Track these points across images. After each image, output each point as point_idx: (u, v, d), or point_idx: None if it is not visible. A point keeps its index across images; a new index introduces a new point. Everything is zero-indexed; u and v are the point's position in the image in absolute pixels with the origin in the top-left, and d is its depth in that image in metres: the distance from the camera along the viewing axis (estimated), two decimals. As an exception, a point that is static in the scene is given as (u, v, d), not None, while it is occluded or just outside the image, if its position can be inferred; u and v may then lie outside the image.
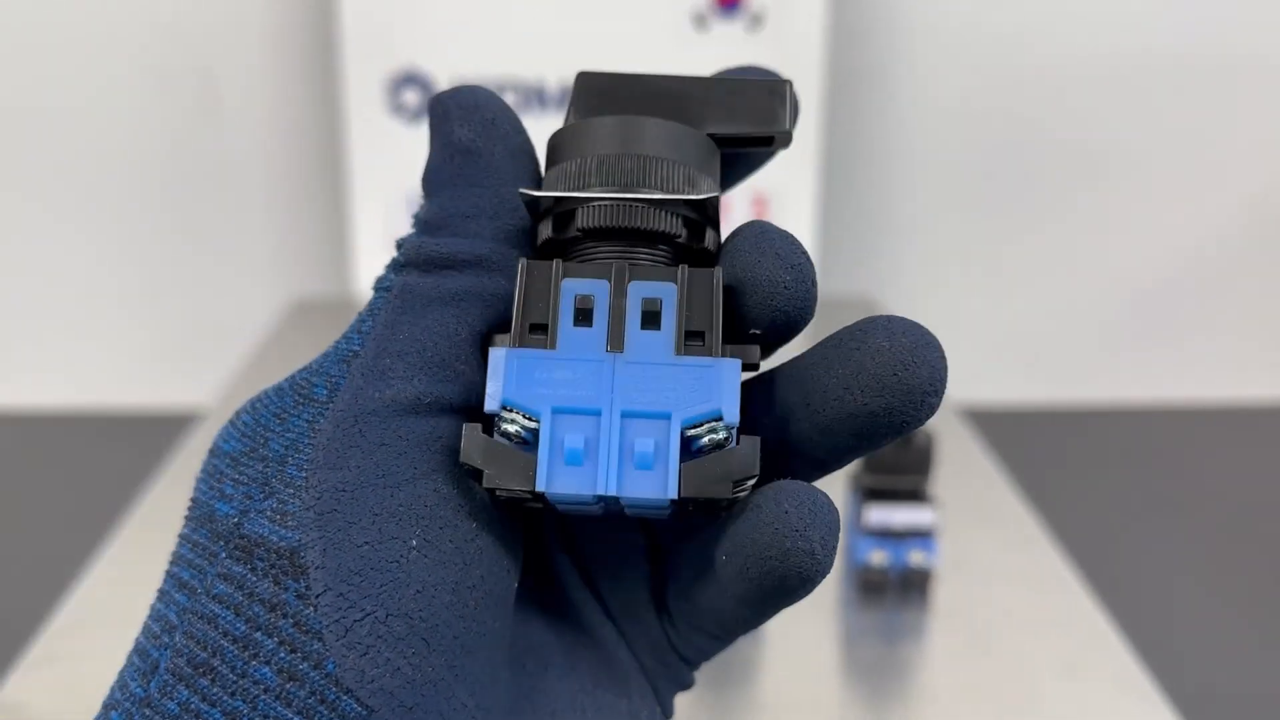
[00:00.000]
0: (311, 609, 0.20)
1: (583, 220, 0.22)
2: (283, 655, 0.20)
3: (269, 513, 0.21)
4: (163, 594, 0.22)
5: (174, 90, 1.04)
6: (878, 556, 0.56)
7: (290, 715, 0.20)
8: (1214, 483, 1.02)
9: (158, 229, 1.08)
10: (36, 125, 1.04)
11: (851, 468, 0.59)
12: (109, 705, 0.21)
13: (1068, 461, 1.06)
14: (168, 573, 0.22)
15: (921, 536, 0.55)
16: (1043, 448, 1.07)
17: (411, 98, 0.96)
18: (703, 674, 0.50)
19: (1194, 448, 1.10)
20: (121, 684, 0.22)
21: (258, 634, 0.20)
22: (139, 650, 0.22)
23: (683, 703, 0.48)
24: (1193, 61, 1.08)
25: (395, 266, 0.23)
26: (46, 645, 0.51)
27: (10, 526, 0.92)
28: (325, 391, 0.22)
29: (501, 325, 0.23)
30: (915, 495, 0.55)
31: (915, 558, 0.55)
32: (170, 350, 1.11)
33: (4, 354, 1.10)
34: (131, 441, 1.01)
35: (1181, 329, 1.18)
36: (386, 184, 0.98)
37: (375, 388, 0.22)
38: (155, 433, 0.91)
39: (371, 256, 1.00)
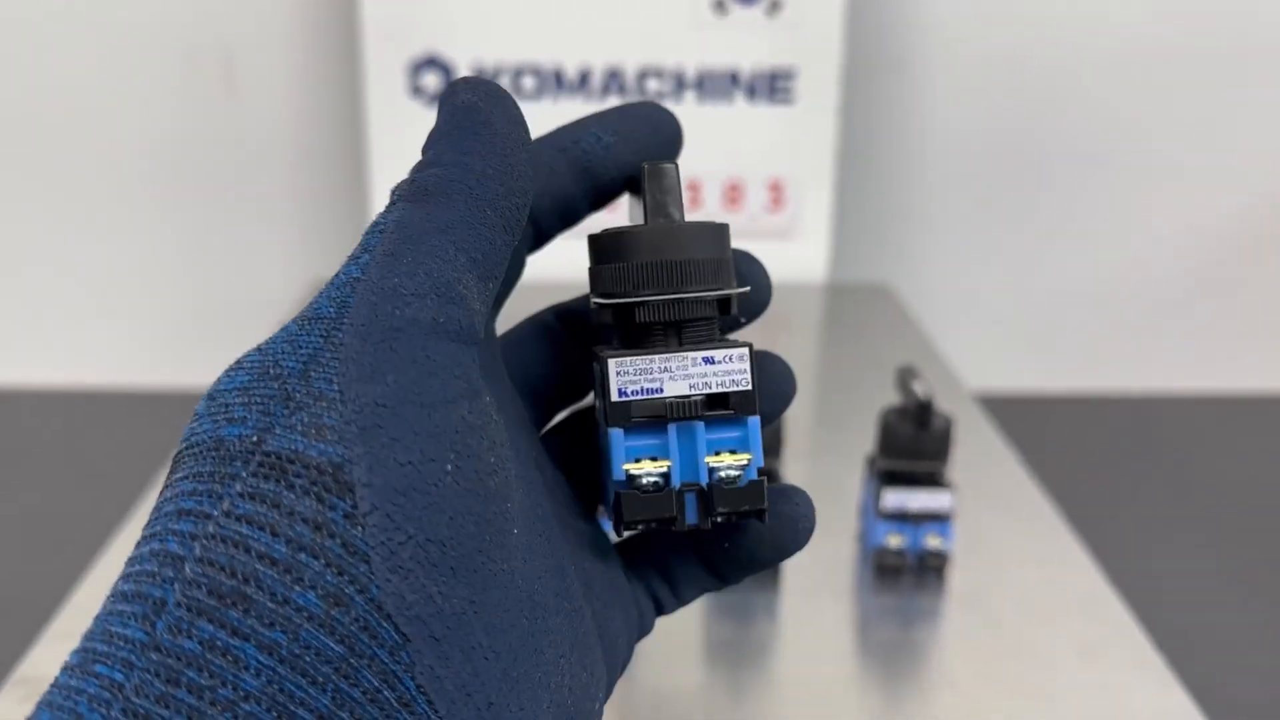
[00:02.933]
0: (359, 529, 0.19)
1: (641, 316, 0.25)
2: (329, 579, 0.19)
3: (300, 427, 0.20)
4: (155, 536, 0.20)
5: (197, 71, 1.04)
6: (894, 540, 0.56)
7: (333, 645, 0.18)
8: (1229, 470, 1.02)
9: (180, 209, 1.09)
10: (60, 106, 1.04)
11: (869, 451, 0.59)
12: (94, 657, 0.19)
13: (1082, 448, 1.05)
14: (160, 516, 0.20)
15: (938, 520, 0.55)
16: (1057, 434, 1.07)
17: (432, 81, 0.96)
18: (717, 654, 0.50)
19: (1208, 435, 1.10)
20: (105, 634, 0.19)
21: (301, 555, 0.19)
22: (126, 595, 0.19)
23: (698, 682, 0.48)
24: (1210, 50, 1.07)
25: (389, 208, 0.24)
26: (69, 620, 0.52)
27: (36, 501, 0.93)
28: (333, 309, 0.21)
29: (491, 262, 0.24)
30: (932, 480, 0.55)
31: (931, 541, 0.55)
32: (193, 330, 1.11)
33: (31, 333, 1.11)
34: (154, 418, 1.02)
35: (1197, 317, 1.17)
36: (406, 166, 0.98)
37: (394, 305, 0.21)
38: (178, 410, 0.91)
39: (390, 240, 1.00)
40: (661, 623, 0.29)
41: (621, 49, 0.98)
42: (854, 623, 0.54)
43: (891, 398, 0.58)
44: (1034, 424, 1.02)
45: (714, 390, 0.25)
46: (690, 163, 1.01)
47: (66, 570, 0.62)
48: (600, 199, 0.28)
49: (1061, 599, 0.56)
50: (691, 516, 0.25)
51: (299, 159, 1.08)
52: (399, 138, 0.98)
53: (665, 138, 0.28)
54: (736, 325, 0.28)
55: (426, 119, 0.97)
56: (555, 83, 0.97)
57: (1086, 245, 1.15)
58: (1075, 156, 1.11)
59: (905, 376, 0.55)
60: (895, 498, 0.55)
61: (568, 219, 0.28)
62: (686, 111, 0.99)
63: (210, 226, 1.09)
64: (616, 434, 0.25)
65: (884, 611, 0.54)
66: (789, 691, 0.49)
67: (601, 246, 0.26)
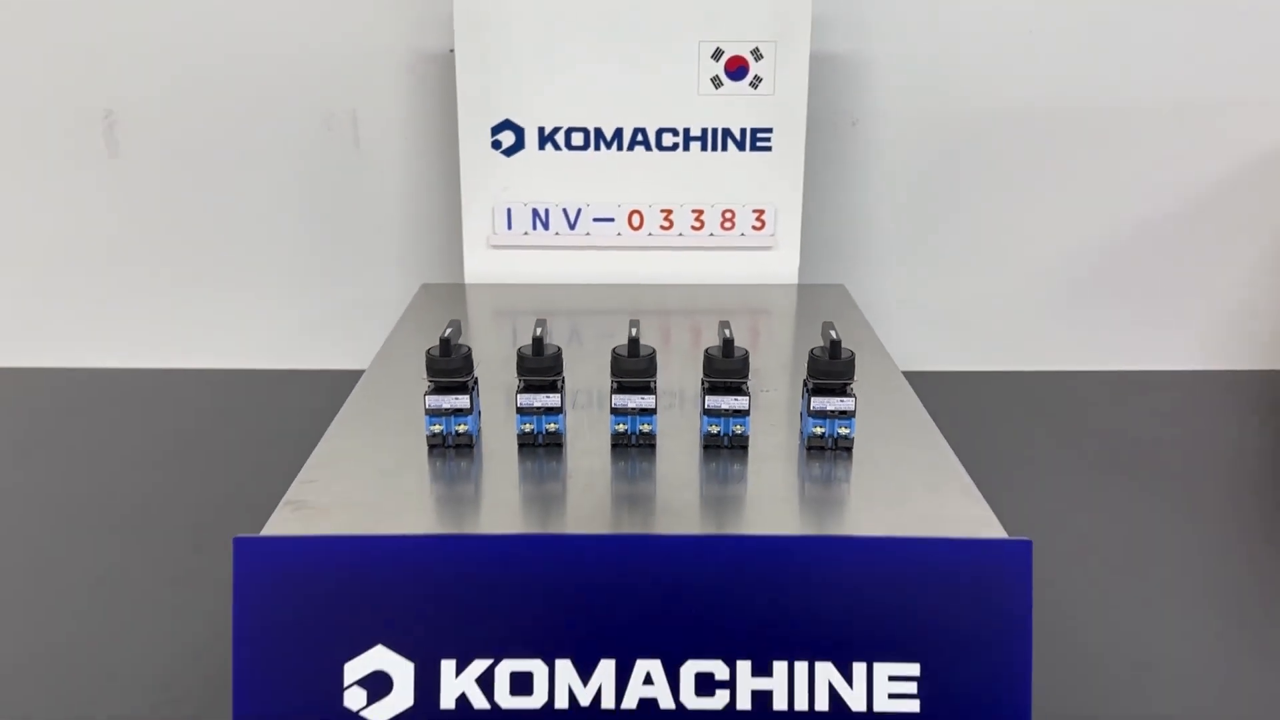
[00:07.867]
0: None
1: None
2: None
3: None
4: None
5: (334, 127, 1.33)
6: (818, 429, 0.88)
7: None
8: (1104, 424, 1.30)
9: (320, 232, 1.36)
10: (228, 154, 1.33)
11: (800, 371, 0.89)
12: None
13: (976, 407, 1.31)
14: None
15: (846, 416, 0.88)
16: (957, 399, 1.33)
17: (506, 138, 1.30)
18: (694, 506, 0.81)
19: (1091, 402, 1.37)
20: None
21: None
22: None
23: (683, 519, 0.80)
24: (1093, 108, 1.36)
25: None
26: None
27: (234, 454, 1.18)
28: None
29: None
30: (843, 391, 0.87)
31: (841, 430, 0.88)
32: (330, 324, 1.40)
33: (216, 329, 1.38)
34: (312, 391, 1.29)
35: (1089, 309, 1.43)
36: (488, 199, 1.32)
37: None
38: (330, 385, 1.09)
39: (476, 252, 1.34)
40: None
41: (645, 114, 1.28)
42: (793, 480, 0.84)
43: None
44: (943, 390, 1.30)
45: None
46: (697, 196, 1.35)
47: (261, 501, 0.76)
48: None
49: (919, 467, 0.86)
50: None
51: (410, 193, 1.36)
52: (483, 178, 1.30)
53: None
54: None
55: (501, 165, 1.31)
56: (597, 138, 1.31)
57: (1007, 247, 1.41)
58: (984, 190, 1.39)
59: (825, 327, 0.88)
60: (818, 402, 0.87)
61: None
62: (694, 160, 1.33)
63: (338, 244, 1.37)
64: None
65: (814, 474, 0.85)
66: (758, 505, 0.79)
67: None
